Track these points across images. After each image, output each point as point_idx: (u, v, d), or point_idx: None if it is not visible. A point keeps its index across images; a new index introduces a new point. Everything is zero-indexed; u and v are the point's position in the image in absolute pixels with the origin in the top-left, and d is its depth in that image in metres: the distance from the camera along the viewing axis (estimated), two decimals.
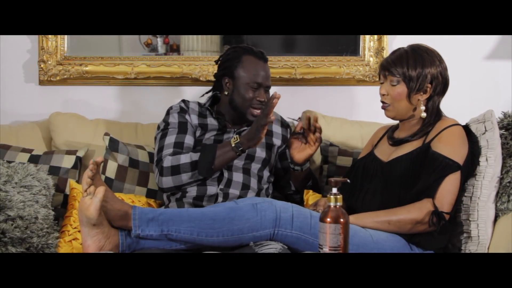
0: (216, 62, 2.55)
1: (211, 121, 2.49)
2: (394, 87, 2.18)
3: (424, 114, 2.18)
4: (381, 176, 2.19)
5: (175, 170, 2.30)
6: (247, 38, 2.91)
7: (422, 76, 2.15)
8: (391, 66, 2.17)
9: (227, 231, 1.99)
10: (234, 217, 1.99)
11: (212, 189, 2.34)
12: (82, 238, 2.02)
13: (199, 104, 2.55)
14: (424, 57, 2.17)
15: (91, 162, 2.03)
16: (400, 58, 2.17)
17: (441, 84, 2.18)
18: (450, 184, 2.07)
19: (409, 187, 2.11)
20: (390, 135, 2.29)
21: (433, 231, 2.06)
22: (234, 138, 2.29)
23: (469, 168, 2.15)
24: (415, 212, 2.04)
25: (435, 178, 2.06)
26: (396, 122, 2.31)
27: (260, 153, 2.45)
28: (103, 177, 2.52)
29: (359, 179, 2.25)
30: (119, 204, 2.04)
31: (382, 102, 2.22)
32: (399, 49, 2.22)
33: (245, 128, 2.49)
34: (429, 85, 2.17)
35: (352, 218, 2.09)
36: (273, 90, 2.53)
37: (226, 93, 2.47)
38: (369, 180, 2.22)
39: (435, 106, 2.20)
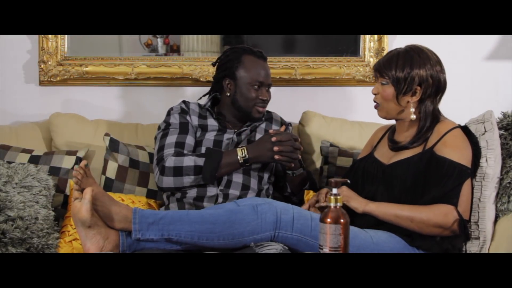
0: (214, 64, 2.56)
1: (211, 122, 2.49)
2: (383, 87, 2.18)
3: (413, 117, 2.17)
4: (382, 179, 2.19)
5: (178, 171, 2.30)
6: (247, 38, 2.91)
7: (409, 78, 2.14)
8: (381, 67, 2.18)
9: (228, 235, 1.99)
10: (235, 220, 1.99)
11: (212, 190, 2.34)
12: (81, 242, 2.02)
13: (199, 105, 2.55)
14: (414, 58, 2.15)
15: (75, 168, 2.03)
16: (390, 59, 2.17)
17: (432, 87, 2.16)
18: (467, 191, 2.09)
19: (410, 191, 2.11)
20: (391, 137, 2.28)
21: (439, 236, 2.07)
22: (241, 152, 2.30)
23: (473, 170, 2.15)
24: (440, 218, 2.04)
25: (454, 185, 2.06)
26: (393, 122, 2.31)
27: None
28: (103, 177, 2.53)
29: (359, 180, 2.24)
30: (117, 207, 2.04)
31: (374, 101, 2.23)
32: (394, 50, 2.22)
33: (245, 128, 2.49)
34: (418, 88, 2.15)
35: (374, 206, 2.10)
36: (273, 90, 2.53)
37: (228, 94, 2.47)
38: (370, 182, 2.21)
39: (429, 109, 2.17)
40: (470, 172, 2.09)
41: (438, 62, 2.18)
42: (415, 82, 2.14)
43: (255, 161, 2.33)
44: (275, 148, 2.26)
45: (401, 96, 2.16)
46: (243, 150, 2.31)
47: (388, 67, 2.16)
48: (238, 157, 2.30)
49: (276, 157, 2.27)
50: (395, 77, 2.14)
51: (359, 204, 2.13)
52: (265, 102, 2.46)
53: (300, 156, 2.41)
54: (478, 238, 2.15)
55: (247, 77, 2.43)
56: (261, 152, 2.29)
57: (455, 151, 2.09)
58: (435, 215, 2.04)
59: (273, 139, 2.26)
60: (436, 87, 2.17)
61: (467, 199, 2.10)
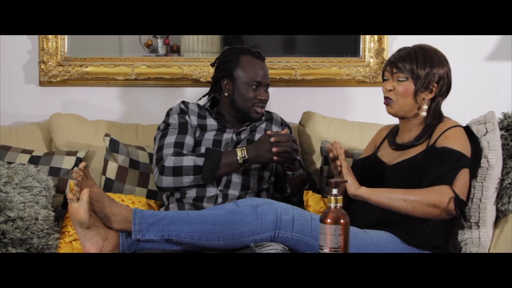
0: (212, 64, 2.55)
1: (210, 122, 2.49)
2: (401, 83, 2.17)
3: (424, 114, 2.18)
4: (385, 179, 2.18)
5: (177, 171, 2.30)
6: (247, 38, 2.91)
7: (430, 75, 2.15)
8: (399, 62, 2.17)
9: (228, 235, 1.98)
10: (235, 221, 1.99)
11: (211, 190, 2.34)
12: (81, 243, 2.02)
13: (198, 105, 2.55)
14: (433, 56, 2.17)
15: (75, 170, 2.03)
16: (409, 55, 2.17)
17: (446, 85, 2.18)
18: (465, 177, 2.07)
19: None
20: (392, 140, 2.27)
21: (423, 229, 2.06)
22: (241, 152, 2.30)
23: (473, 169, 2.15)
24: (434, 195, 2.01)
25: (451, 168, 2.04)
26: (396, 123, 2.30)
27: None
28: (103, 178, 2.53)
29: (360, 180, 2.24)
30: (117, 208, 2.04)
31: (386, 97, 2.21)
32: (406, 47, 2.21)
33: (244, 128, 2.49)
34: (435, 85, 2.16)
35: (368, 190, 2.06)
36: (273, 91, 2.53)
37: (226, 94, 2.47)
38: (371, 182, 2.21)
39: (438, 107, 2.20)
40: (469, 161, 2.08)
41: (448, 61, 2.20)
42: (435, 79, 2.16)
43: (254, 161, 2.33)
44: (274, 149, 2.26)
45: (420, 93, 2.16)
46: (242, 151, 2.31)
47: (409, 61, 2.16)
48: (238, 158, 2.31)
49: (275, 158, 2.28)
50: (416, 73, 2.14)
51: (351, 186, 2.08)
52: (264, 102, 2.46)
53: (299, 157, 2.41)
54: (478, 239, 2.15)
55: (245, 77, 2.43)
56: (260, 153, 2.30)
57: (456, 142, 2.10)
58: (429, 194, 2.01)
59: (272, 139, 2.27)
60: (447, 85, 2.19)
61: (465, 183, 2.07)
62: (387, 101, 2.21)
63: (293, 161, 2.32)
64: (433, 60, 2.16)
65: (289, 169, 2.39)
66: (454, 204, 2.01)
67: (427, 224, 2.08)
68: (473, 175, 2.16)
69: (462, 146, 2.10)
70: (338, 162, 2.18)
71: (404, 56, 2.17)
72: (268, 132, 2.32)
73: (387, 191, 2.08)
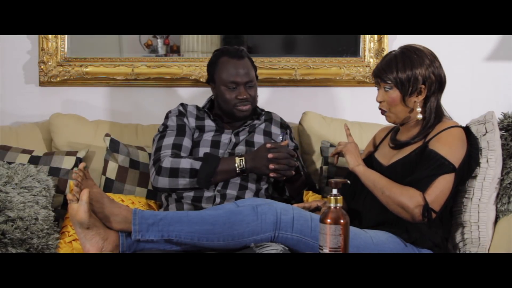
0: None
1: (208, 123, 2.49)
2: (388, 93, 2.17)
3: (420, 116, 2.17)
4: None
5: (174, 172, 2.30)
6: (247, 38, 2.91)
7: (413, 78, 2.13)
8: (381, 73, 2.17)
9: (228, 236, 1.98)
10: (235, 221, 1.98)
11: (209, 190, 2.34)
12: (81, 244, 2.01)
13: (197, 107, 2.55)
14: (412, 58, 2.14)
15: (75, 170, 2.03)
16: (390, 63, 2.16)
17: (436, 83, 2.16)
18: (442, 184, 2.07)
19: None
20: (393, 137, 2.28)
21: (419, 225, 2.07)
22: (239, 161, 2.30)
23: (465, 172, 2.14)
24: (406, 198, 2.05)
25: (429, 175, 2.06)
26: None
27: None
28: (103, 178, 2.53)
29: (359, 181, 2.24)
30: (116, 208, 2.03)
31: (380, 109, 2.22)
32: (389, 53, 2.21)
33: (243, 128, 2.49)
34: (423, 86, 2.15)
35: (362, 169, 2.19)
36: (273, 91, 2.53)
37: (213, 97, 2.49)
38: None
39: (433, 105, 2.18)
40: (452, 168, 2.08)
41: (435, 58, 2.18)
42: (419, 81, 2.14)
43: (252, 172, 2.33)
44: (271, 166, 2.24)
45: (408, 98, 2.15)
46: (241, 160, 2.30)
47: (389, 70, 2.15)
48: (236, 166, 2.30)
49: (271, 174, 2.27)
50: (399, 80, 2.14)
51: (353, 161, 2.22)
52: (245, 100, 2.43)
53: (298, 163, 2.40)
54: (478, 239, 2.15)
55: (221, 80, 2.42)
56: (258, 165, 2.29)
57: (445, 146, 2.09)
58: (402, 194, 2.06)
59: (270, 156, 2.25)
60: (438, 83, 2.17)
61: (441, 192, 2.07)
62: (382, 112, 2.22)
63: (287, 176, 2.31)
64: (412, 62, 2.14)
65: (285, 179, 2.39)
66: (421, 212, 2.04)
67: (425, 223, 2.08)
68: (466, 178, 2.16)
69: (451, 150, 2.10)
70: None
71: (385, 65, 2.17)
72: (268, 145, 2.28)
73: (376, 178, 2.15)
